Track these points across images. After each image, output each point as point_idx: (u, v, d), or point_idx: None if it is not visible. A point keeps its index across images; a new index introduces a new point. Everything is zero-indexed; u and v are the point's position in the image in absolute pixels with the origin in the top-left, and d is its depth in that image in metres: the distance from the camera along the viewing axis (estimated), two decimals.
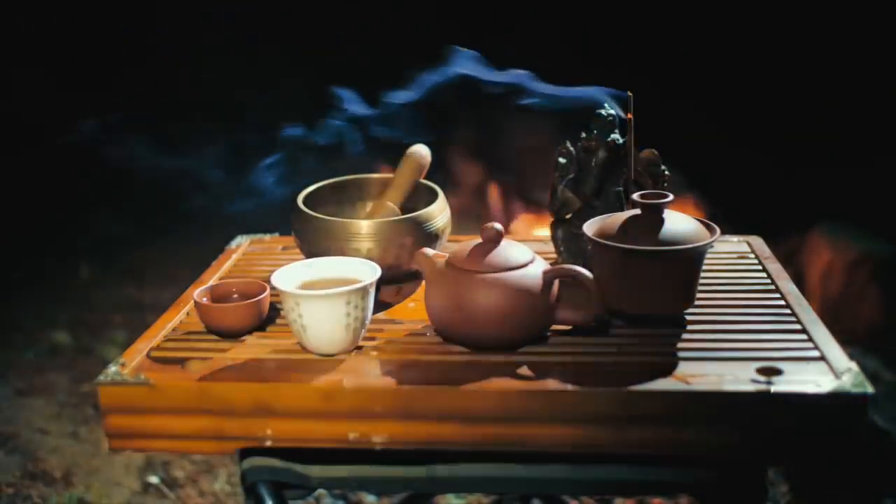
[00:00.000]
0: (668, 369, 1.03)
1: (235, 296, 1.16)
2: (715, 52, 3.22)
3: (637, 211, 1.14)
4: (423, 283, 1.15)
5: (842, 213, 2.92)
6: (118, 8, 3.35)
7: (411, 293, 1.30)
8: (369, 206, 1.43)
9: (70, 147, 3.47)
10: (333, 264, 1.16)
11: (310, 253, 1.26)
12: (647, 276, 1.11)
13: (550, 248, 1.40)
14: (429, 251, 1.13)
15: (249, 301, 1.14)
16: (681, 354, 1.07)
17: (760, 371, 1.01)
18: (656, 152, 1.29)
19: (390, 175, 1.42)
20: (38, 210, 3.67)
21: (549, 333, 1.13)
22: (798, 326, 1.14)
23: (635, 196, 1.13)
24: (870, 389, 0.97)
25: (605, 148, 1.28)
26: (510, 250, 1.10)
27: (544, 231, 1.46)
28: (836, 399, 0.97)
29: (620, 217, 1.15)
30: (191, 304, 1.25)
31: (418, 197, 1.36)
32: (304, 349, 1.10)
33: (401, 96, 1.32)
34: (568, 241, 1.32)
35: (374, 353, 1.10)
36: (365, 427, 1.03)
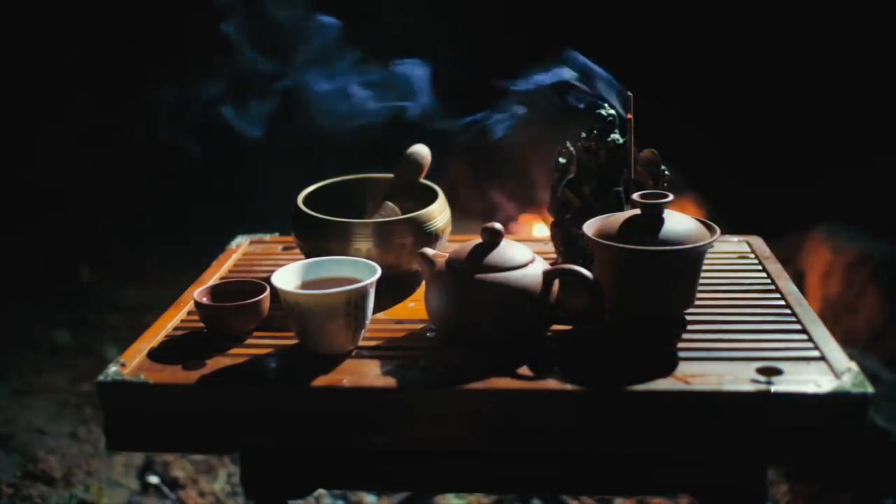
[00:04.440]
0: (668, 369, 1.03)
1: (235, 296, 1.16)
2: (715, 52, 3.22)
3: (637, 211, 1.14)
4: (423, 283, 1.15)
5: (842, 213, 2.92)
6: None
7: (411, 293, 1.30)
8: (369, 206, 1.43)
9: (71, 145, 3.46)
10: (333, 264, 1.16)
11: (310, 253, 1.26)
12: (648, 276, 1.11)
13: (550, 248, 1.40)
14: (429, 251, 1.13)
15: (249, 301, 1.14)
16: (681, 354, 1.07)
17: (760, 371, 1.01)
18: (656, 152, 1.29)
19: (390, 175, 1.42)
20: (39, 210, 3.67)
21: (549, 333, 1.13)
22: (798, 326, 1.14)
23: (635, 196, 1.13)
24: (870, 389, 0.97)
25: (605, 148, 1.28)
26: (510, 250, 1.10)
27: (544, 231, 1.46)
28: (836, 399, 0.97)
29: (620, 217, 1.15)
30: (191, 304, 1.25)
31: (418, 197, 1.36)
32: (304, 349, 1.10)
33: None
34: (568, 241, 1.32)
35: (374, 353, 1.10)
36: (365, 427, 1.03)
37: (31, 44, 3.59)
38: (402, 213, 1.33)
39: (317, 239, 1.27)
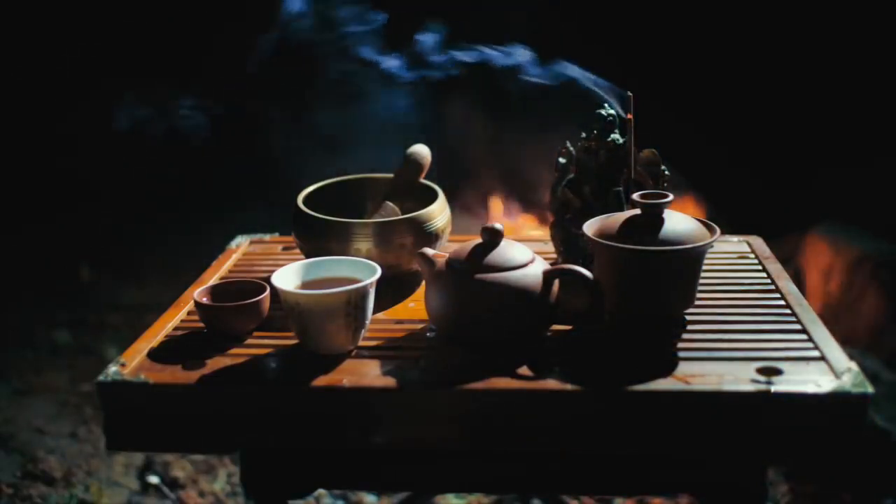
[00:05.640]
0: (668, 369, 1.03)
1: (235, 296, 1.16)
2: (715, 52, 3.22)
3: (637, 211, 1.14)
4: (423, 283, 1.15)
5: (842, 213, 2.92)
6: None
7: (411, 293, 1.30)
8: (369, 206, 1.43)
9: (70, 144, 3.46)
10: (333, 264, 1.16)
11: (310, 253, 1.26)
12: (648, 276, 1.11)
13: (550, 248, 1.40)
14: (429, 251, 1.13)
15: (249, 301, 1.14)
16: (681, 354, 1.07)
17: (760, 371, 1.01)
18: (656, 152, 1.29)
19: (390, 175, 1.42)
20: (38, 210, 3.67)
21: (549, 333, 1.13)
22: (798, 326, 1.14)
23: (635, 196, 1.13)
24: (870, 389, 0.97)
25: (605, 148, 1.28)
26: (510, 250, 1.10)
27: (544, 231, 1.46)
28: (836, 399, 0.97)
29: (620, 217, 1.15)
30: (191, 304, 1.25)
31: (418, 197, 1.37)
32: (304, 349, 1.10)
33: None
34: (568, 241, 1.32)
35: (374, 353, 1.10)
36: (365, 427, 1.03)
37: (33, 44, 3.59)
38: (402, 213, 1.33)
39: (317, 239, 1.27)
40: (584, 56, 1.30)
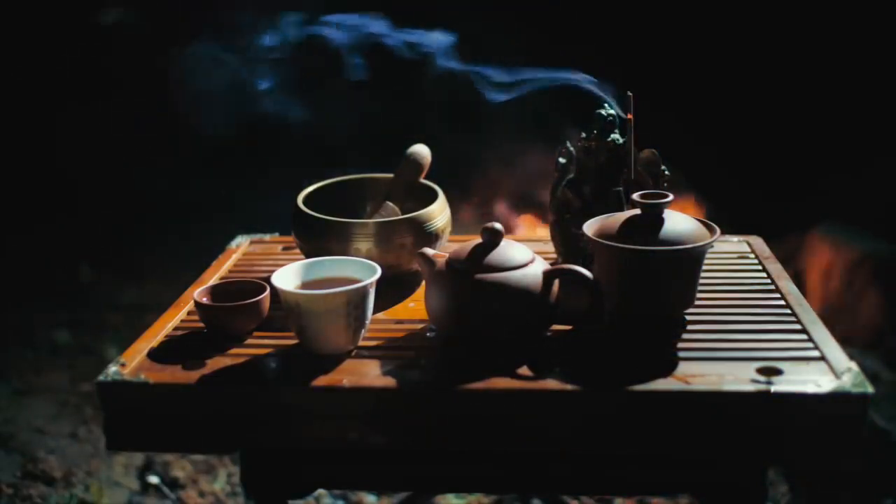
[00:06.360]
0: (668, 369, 1.03)
1: (235, 296, 1.16)
2: (714, 52, 3.22)
3: (637, 211, 1.14)
4: (423, 283, 1.15)
5: (842, 213, 2.92)
6: None
7: (411, 293, 1.30)
8: (369, 206, 1.43)
9: (69, 144, 3.46)
10: (333, 264, 1.16)
11: (310, 253, 1.26)
12: (647, 276, 1.11)
13: (550, 248, 1.40)
14: (429, 251, 1.13)
15: (249, 301, 1.14)
16: (681, 354, 1.07)
17: (760, 371, 1.01)
18: (656, 152, 1.29)
19: (390, 175, 1.42)
20: (38, 209, 3.67)
21: (549, 333, 1.13)
22: (798, 326, 1.14)
23: (635, 196, 1.13)
24: (870, 389, 0.97)
25: (605, 148, 1.28)
26: (510, 250, 1.10)
27: (544, 231, 1.46)
28: (836, 399, 0.97)
29: (620, 217, 1.15)
30: (191, 304, 1.25)
31: (418, 197, 1.37)
32: (304, 349, 1.10)
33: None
34: (568, 241, 1.32)
35: (374, 353, 1.10)
36: (365, 427, 1.03)
37: (33, 45, 3.59)
38: (402, 213, 1.33)
39: (317, 239, 1.27)
40: (585, 54, 1.30)
